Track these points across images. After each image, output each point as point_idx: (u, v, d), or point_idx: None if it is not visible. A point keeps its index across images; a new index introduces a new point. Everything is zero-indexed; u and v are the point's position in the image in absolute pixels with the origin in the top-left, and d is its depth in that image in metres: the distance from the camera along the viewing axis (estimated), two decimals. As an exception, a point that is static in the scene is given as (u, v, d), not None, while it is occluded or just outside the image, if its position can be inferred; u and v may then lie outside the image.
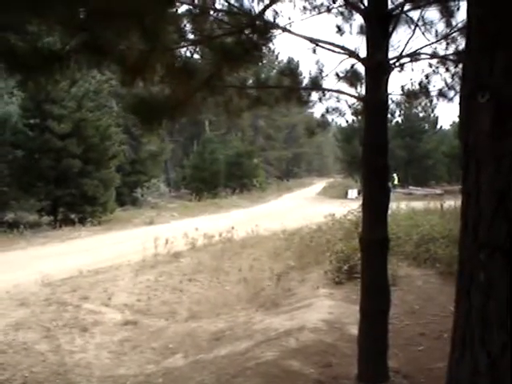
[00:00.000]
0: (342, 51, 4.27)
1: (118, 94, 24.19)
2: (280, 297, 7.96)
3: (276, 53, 48.28)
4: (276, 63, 41.79)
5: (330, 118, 5.79)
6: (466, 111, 1.85)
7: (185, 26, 3.66)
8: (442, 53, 4.84)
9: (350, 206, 12.22)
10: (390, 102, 4.92)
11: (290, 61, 27.06)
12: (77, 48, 2.98)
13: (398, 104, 6.40)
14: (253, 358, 5.01)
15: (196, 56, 4.38)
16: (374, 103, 3.99)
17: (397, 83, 5.83)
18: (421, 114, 39.87)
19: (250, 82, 4.99)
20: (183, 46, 3.84)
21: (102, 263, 11.04)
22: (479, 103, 1.75)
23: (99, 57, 3.21)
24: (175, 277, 9.84)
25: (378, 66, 3.87)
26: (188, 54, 4.04)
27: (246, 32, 3.80)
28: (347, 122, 38.21)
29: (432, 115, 40.43)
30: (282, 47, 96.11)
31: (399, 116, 38.44)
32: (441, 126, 41.46)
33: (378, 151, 4.03)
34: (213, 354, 5.79)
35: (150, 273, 10.06)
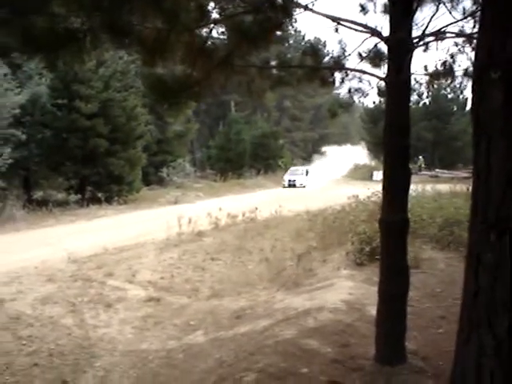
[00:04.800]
0: (364, 30, 4.20)
1: (144, 74, 24.24)
2: (301, 277, 7.99)
3: (302, 33, 47.80)
4: (302, 43, 41.39)
5: (353, 98, 5.73)
6: (477, 88, 1.81)
7: (205, 4, 3.65)
8: (468, 31, 4.72)
9: (375, 187, 12.12)
10: (414, 82, 4.84)
11: (314, 40, 26.77)
12: (96, 28, 3.01)
13: (424, 85, 6.27)
14: (271, 337, 5.07)
15: (215, 35, 4.36)
16: (395, 83, 3.92)
17: (421, 63, 5.72)
18: (449, 96, 39.03)
19: (273, 62, 4.95)
20: (202, 25, 3.82)
21: (127, 241, 11.24)
22: (491, 79, 1.70)
23: (119, 37, 3.23)
24: (198, 255, 9.96)
25: (400, 44, 3.80)
26: (208, 34, 4.02)
27: (266, 10, 3.76)
28: (374, 102, 37.79)
29: (461, 97, 39.54)
30: (309, 27, 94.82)
31: (426, 97, 37.74)
32: (470, 108, 40.37)
33: (399, 132, 3.98)
34: (233, 332, 5.88)
35: (173, 251, 10.20)
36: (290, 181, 33.00)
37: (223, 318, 6.64)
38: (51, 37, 2.87)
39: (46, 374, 5.21)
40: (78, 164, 20.03)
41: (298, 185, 32.35)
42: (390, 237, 4.09)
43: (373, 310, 4.86)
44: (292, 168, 36.74)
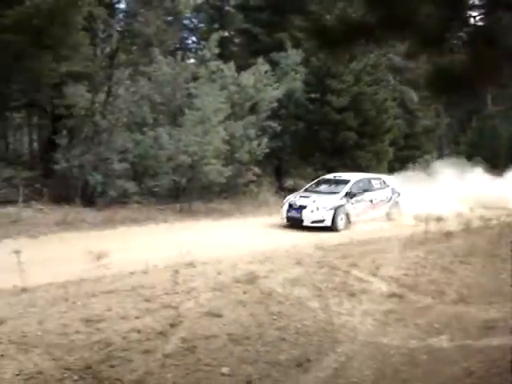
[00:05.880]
0: None
1: (396, 67, 23.99)
2: None
3: None
4: None
5: None
6: None
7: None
8: None
9: None
10: None
11: None
12: (379, 22, 3.04)
13: None
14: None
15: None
16: None
17: None
18: None
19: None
20: (484, 13, 3.54)
21: (370, 234, 11.46)
22: None
23: (400, 29, 3.19)
24: (445, 257, 9.52)
25: None
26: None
27: None
28: None
29: None
30: None
31: None
32: None
33: None
34: (482, 343, 5.51)
35: (418, 249, 9.93)
36: (291, 208, 13.93)
37: (471, 326, 6.25)
38: (343, 32, 3.01)
39: (292, 349, 5.56)
40: (327, 155, 20.86)
41: (306, 220, 13.45)
42: None
43: None
44: (326, 177, 16.41)
